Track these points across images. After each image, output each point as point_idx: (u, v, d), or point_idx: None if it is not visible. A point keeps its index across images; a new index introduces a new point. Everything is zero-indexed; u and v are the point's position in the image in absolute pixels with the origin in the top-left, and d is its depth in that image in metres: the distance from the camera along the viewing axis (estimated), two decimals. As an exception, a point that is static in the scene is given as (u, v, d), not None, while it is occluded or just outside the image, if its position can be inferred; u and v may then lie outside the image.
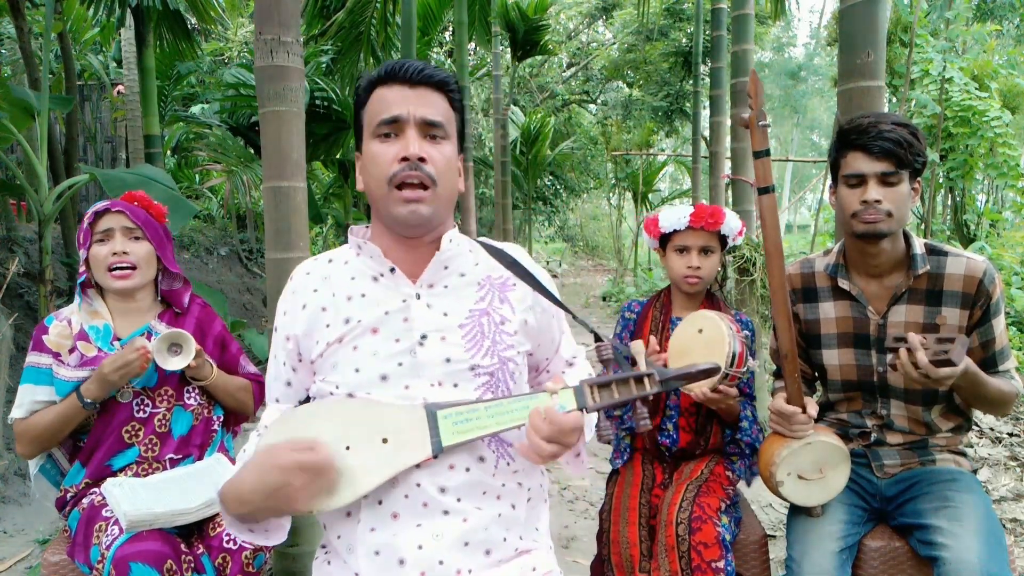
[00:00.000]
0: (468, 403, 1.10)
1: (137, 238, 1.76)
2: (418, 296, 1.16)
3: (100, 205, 1.75)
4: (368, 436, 1.08)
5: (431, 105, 1.14)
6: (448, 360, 1.13)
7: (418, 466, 1.09)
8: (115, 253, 1.72)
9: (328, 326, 1.15)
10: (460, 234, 1.23)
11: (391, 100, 1.13)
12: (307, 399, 1.23)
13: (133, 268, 1.74)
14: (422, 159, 1.11)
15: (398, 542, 1.08)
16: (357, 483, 1.07)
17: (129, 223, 1.75)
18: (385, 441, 1.08)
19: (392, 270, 1.17)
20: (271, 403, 1.26)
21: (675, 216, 1.88)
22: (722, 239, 1.90)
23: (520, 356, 1.20)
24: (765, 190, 1.48)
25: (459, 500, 1.10)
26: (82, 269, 1.76)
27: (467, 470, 1.11)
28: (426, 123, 1.13)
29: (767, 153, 1.47)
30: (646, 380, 1.08)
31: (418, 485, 1.09)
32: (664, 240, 1.93)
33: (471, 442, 1.09)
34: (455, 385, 1.13)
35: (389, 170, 1.11)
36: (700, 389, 1.68)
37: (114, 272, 1.73)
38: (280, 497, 1.02)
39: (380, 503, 1.10)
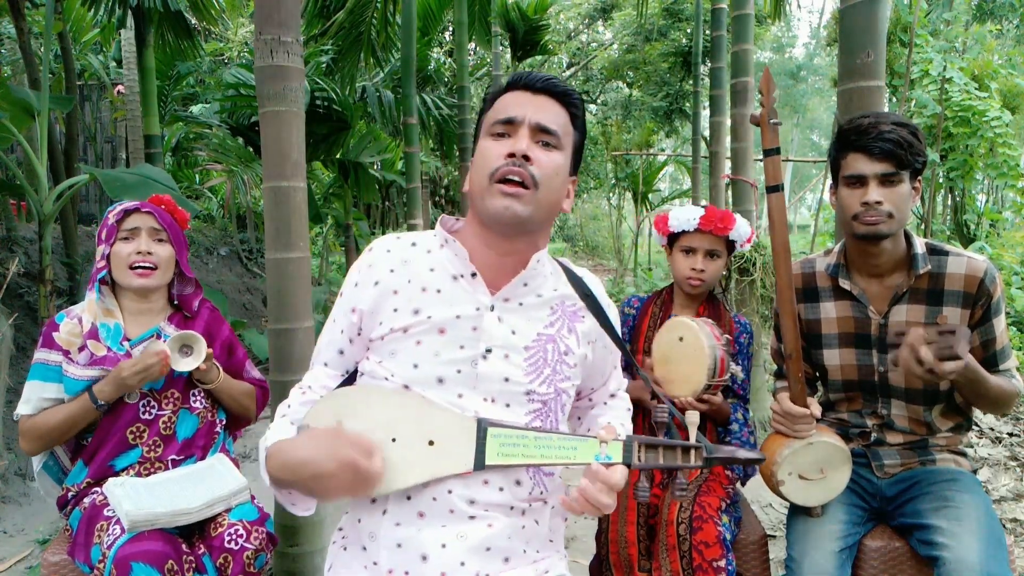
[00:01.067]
0: (519, 428, 1.10)
1: (161, 240, 1.79)
2: (492, 308, 1.15)
3: (130, 204, 1.78)
4: (416, 434, 1.09)
5: (549, 112, 1.15)
6: (507, 379, 1.13)
7: (455, 475, 1.09)
8: (139, 252, 1.74)
9: (396, 311, 1.15)
10: (547, 255, 1.23)
11: (511, 103, 1.15)
12: (354, 372, 1.23)
13: (154, 268, 1.76)
14: (527, 157, 1.10)
15: (423, 537, 1.08)
16: (394, 477, 1.07)
17: (156, 224, 1.78)
18: (431, 444, 1.08)
19: (474, 275, 1.16)
20: (317, 365, 1.25)
21: (685, 216, 1.88)
22: (729, 244, 1.90)
23: (573, 389, 1.21)
24: (774, 188, 1.47)
25: (486, 511, 1.11)
26: (102, 264, 1.76)
27: (500, 490, 1.11)
28: (540, 128, 1.13)
29: (777, 151, 1.46)
30: (692, 452, 1.08)
31: (449, 492, 1.09)
32: (672, 239, 1.94)
33: (511, 467, 1.10)
34: (507, 405, 1.13)
35: (494, 165, 1.11)
36: (685, 397, 1.70)
37: (135, 270, 1.74)
38: (322, 484, 1.03)
39: (408, 499, 1.10)
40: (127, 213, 1.76)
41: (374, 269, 1.19)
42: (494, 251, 1.16)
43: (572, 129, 1.19)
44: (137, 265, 1.74)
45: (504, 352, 1.13)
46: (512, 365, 1.13)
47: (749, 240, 1.92)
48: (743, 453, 1.10)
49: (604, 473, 1.04)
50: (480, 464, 1.07)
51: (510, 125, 1.13)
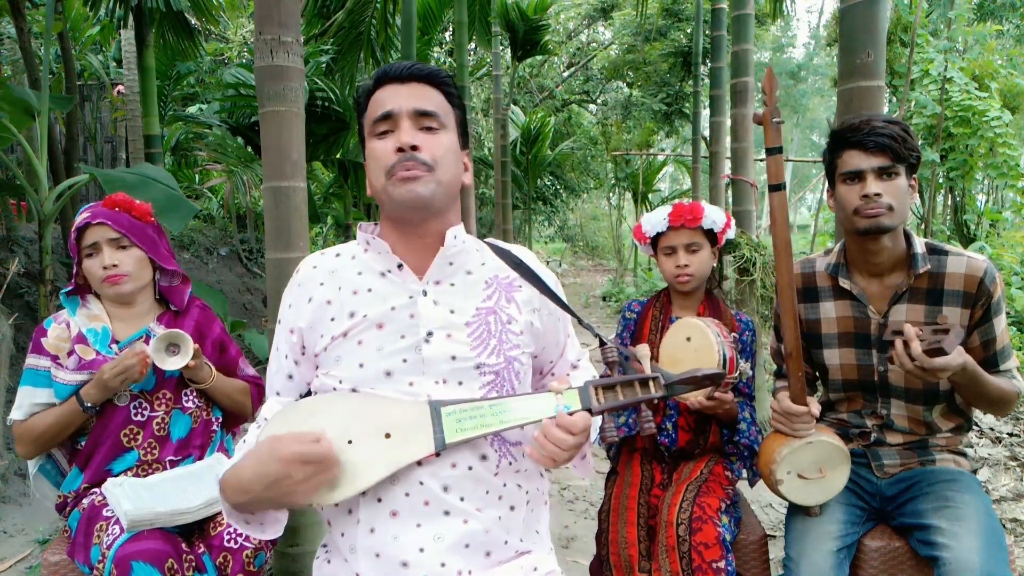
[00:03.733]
0: (472, 401, 1.10)
1: (124, 247, 1.74)
2: (424, 293, 1.16)
3: (80, 219, 1.73)
4: (371, 431, 1.08)
5: (423, 97, 1.16)
6: (453, 358, 1.13)
7: (419, 464, 1.08)
8: (104, 267, 1.71)
9: (333, 320, 1.15)
10: (467, 234, 1.23)
11: (384, 99, 1.16)
12: (308, 393, 1.23)
13: (126, 275, 1.73)
14: (415, 147, 1.12)
15: (400, 545, 1.07)
16: (358, 478, 1.06)
17: (113, 233, 1.72)
18: (388, 436, 1.07)
19: (400, 266, 1.17)
20: (271, 396, 1.25)
21: (655, 219, 1.90)
22: (709, 234, 1.90)
23: (525, 356, 1.20)
24: (776, 187, 1.47)
25: (462, 499, 1.10)
26: (73, 280, 1.76)
27: (469, 468, 1.11)
28: (418, 113, 1.14)
29: (780, 150, 1.47)
30: (651, 383, 1.08)
31: (421, 483, 1.08)
32: (654, 244, 1.95)
33: (474, 440, 1.09)
34: (460, 383, 1.13)
35: (386, 162, 1.12)
36: (695, 397, 1.70)
37: (106, 280, 1.72)
38: (280, 489, 1.02)
39: (379, 501, 1.09)
40: (80, 231, 1.72)
41: (304, 287, 1.20)
42: (412, 238, 1.18)
43: (450, 107, 1.20)
44: (107, 277, 1.72)
45: (446, 332, 1.13)
46: (456, 343, 1.13)
47: (728, 226, 1.93)
48: (702, 372, 1.10)
49: (567, 419, 1.05)
50: (441, 444, 1.07)
51: (389, 120, 1.14)
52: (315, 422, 1.08)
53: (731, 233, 1.95)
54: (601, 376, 1.14)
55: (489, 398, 1.11)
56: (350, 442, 1.07)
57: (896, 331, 1.45)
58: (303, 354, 1.20)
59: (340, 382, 1.13)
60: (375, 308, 1.14)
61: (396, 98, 1.15)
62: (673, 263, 1.89)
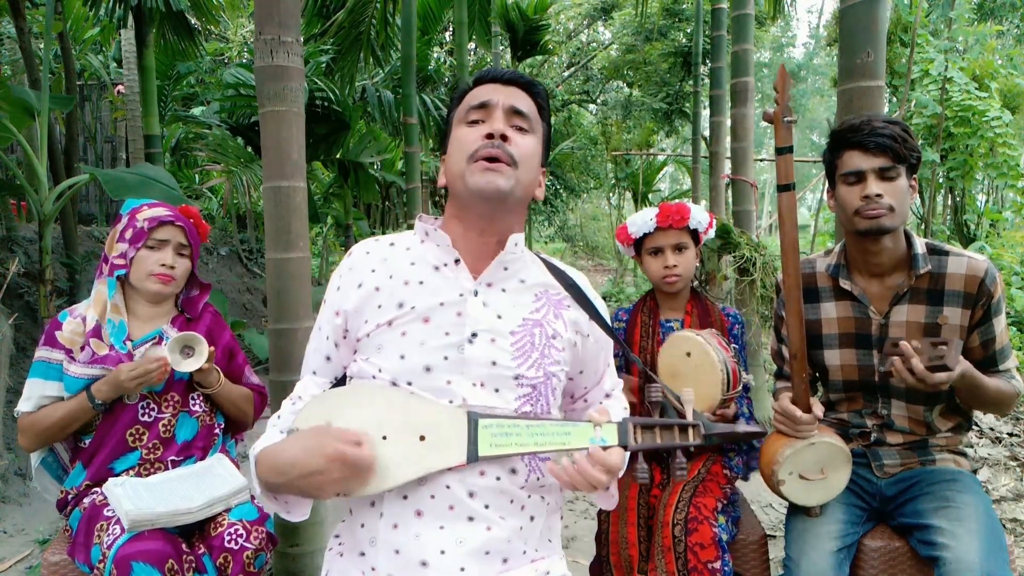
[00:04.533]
0: (511, 417, 1.09)
1: (183, 255, 1.81)
2: (476, 293, 1.16)
3: (163, 214, 1.79)
4: (407, 429, 1.08)
5: (520, 99, 1.18)
6: (494, 363, 1.12)
7: (449, 469, 1.08)
8: (163, 264, 1.76)
9: (380, 307, 1.15)
10: (525, 245, 1.23)
11: (483, 92, 1.18)
12: (343, 378, 1.23)
13: (175, 280, 1.79)
14: (505, 137, 1.13)
15: (421, 544, 1.07)
16: (387, 475, 1.06)
17: (184, 240, 1.81)
18: (423, 439, 1.07)
19: (457, 261, 1.17)
20: (307, 374, 1.25)
21: (642, 219, 1.90)
22: (693, 234, 1.91)
23: (563, 374, 1.20)
24: (786, 187, 1.47)
25: (486, 507, 1.10)
26: (122, 262, 1.76)
27: (497, 479, 1.11)
28: (514, 111, 1.16)
29: (790, 150, 1.46)
30: (690, 430, 1.07)
31: (447, 487, 1.08)
32: (638, 246, 1.95)
33: (506, 457, 1.09)
34: (496, 390, 1.12)
35: (472, 147, 1.13)
36: (686, 395, 1.69)
37: (156, 276, 1.76)
38: (313, 481, 1.03)
39: (405, 498, 1.09)
40: (160, 223, 1.77)
41: (355, 271, 1.20)
42: (474, 233, 1.17)
43: (540, 119, 1.22)
44: (158, 274, 1.76)
45: (490, 336, 1.13)
46: (499, 349, 1.13)
47: (711, 225, 1.93)
48: (743, 427, 1.10)
49: (602, 455, 1.04)
50: (473, 456, 1.06)
51: (484, 110, 1.16)
52: (354, 411, 1.08)
53: (712, 232, 1.96)
54: (640, 415, 1.13)
55: (527, 416, 1.11)
56: (384, 437, 1.07)
57: (894, 345, 1.45)
58: (345, 338, 1.20)
59: (379, 370, 1.12)
60: (424, 301, 1.14)
61: (496, 93, 1.17)
62: (661, 264, 1.89)
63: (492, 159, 1.11)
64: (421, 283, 1.16)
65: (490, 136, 1.12)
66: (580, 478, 1.04)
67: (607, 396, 1.36)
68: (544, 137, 1.23)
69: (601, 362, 1.31)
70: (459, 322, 1.13)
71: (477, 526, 1.09)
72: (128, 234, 1.76)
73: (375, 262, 1.20)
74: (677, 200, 1.94)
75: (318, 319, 1.25)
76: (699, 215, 1.89)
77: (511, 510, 1.12)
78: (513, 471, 1.12)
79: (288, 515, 1.16)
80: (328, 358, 1.22)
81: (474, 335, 1.12)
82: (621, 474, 1.14)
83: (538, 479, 1.15)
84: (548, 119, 1.25)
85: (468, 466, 1.08)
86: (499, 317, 1.15)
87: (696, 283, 2.01)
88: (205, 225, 1.91)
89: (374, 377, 1.13)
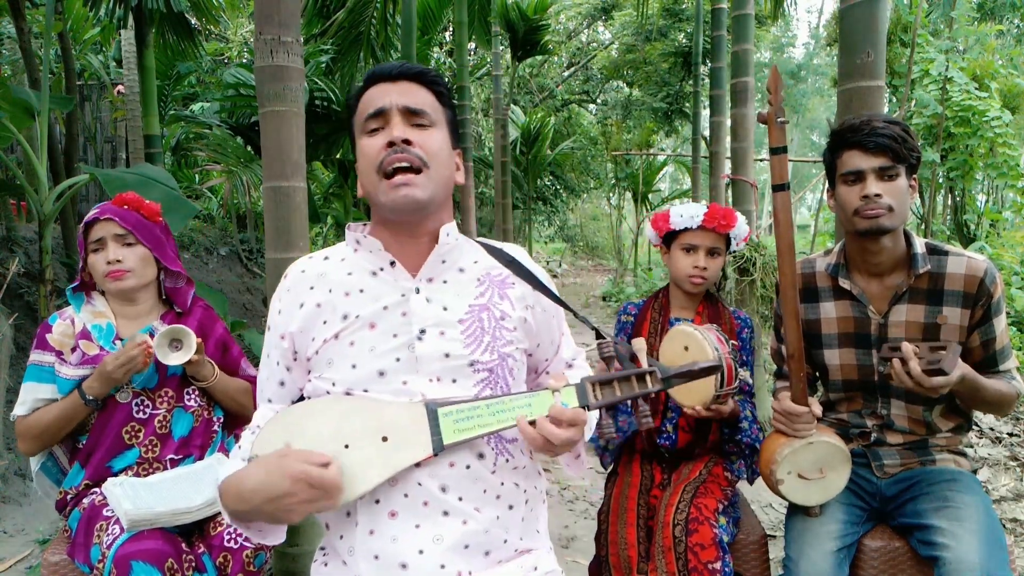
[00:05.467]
0: (469, 401, 1.09)
1: (129, 243, 1.75)
2: (417, 290, 1.15)
3: (90, 215, 1.75)
4: (367, 434, 1.07)
5: (413, 95, 1.16)
6: (447, 355, 1.12)
7: (417, 465, 1.08)
8: (108, 262, 1.72)
9: (325, 323, 1.15)
10: (459, 232, 1.23)
11: (374, 97, 1.16)
12: (300, 399, 1.22)
13: (129, 271, 1.75)
14: (407, 141, 1.12)
15: (399, 546, 1.07)
16: (356, 482, 1.05)
17: (119, 229, 1.74)
18: (385, 439, 1.07)
19: (392, 264, 1.17)
20: (263, 403, 1.25)
21: (688, 213, 1.87)
22: (727, 243, 1.90)
23: (519, 353, 1.19)
24: (780, 187, 1.47)
25: (460, 499, 1.09)
26: (79, 276, 1.77)
27: (467, 467, 1.10)
28: (409, 111, 1.15)
29: (784, 150, 1.47)
30: (648, 377, 1.08)
31: (419, 484, 1.08)
32: (669, 237, 1.92)
33: (472, 440, 1.09)
34: (454, 381, 1.12)
35: (378, 158, 1.12)
36: (694, 407, 1.69)
37: (109, 275, 1.73)
38: (280, 504, 1.01)
39: (377, 502, 1.09)
40: (88, 225, 1.74)
41: (293, 292, 1.20)
42: (404, 236, 1.17)
43: (440, 106, 1.20)
44: (109, 272, 1.74)
45: (439, 329, 1.13)
46: (449, 340, 1.13)
47: (745, 239, 1.93)
48: (699, 365, 1.09)
49: (560, 410, 1.05)
50: (439, 446, 1.06)
51: (380, 117, 1.15)
52: (310, 426, 1.07)
53: (743, 246, 1.95)
54: (598, 373, 1.14)
55: (485, 397, 1.11)
56: (346, 446, 1.06)
57: (893, 347, 1.45)
58: (295, 360, 1.19)
59: (333, 385, 1.12)
60: (367, 308, 1.14)
61: (386, 95, 1.15)
62: (691, 262, 1.87)
63: (402, 169, 1.10)
64: (361, 291, 1.16)
65: (392, 144, 1.12)
66: (542, 440, 1.05)
67: (569, 366, 1.36)
68: (450, 122, 1.21)
69: (555, 331, 1.30)
70: (405, 321, 1.13)
71: (453, 521, 1.09)
72: (79, 245, 1.77)
73: (312, 279, 1.19)
74: (724, 206, 1.92)
75: (264, 347, 1.24)
76: (742, 227, 1.89)
77: (486, 500, 1.12)
78: (481, 456, 1.12)
79: (263, 539, 1.15)
80: (282, 383, 1.22)
81: (422, 331, 1.12)
82: (588, 435, 1.15)
83: (507, 460, 1.15)
84: (449, 103, 1.22)
85: (437, 458, 1.08)
86: (445, 309, 1.15)
87: (713, 287, 2.00)
88: (149, 206, 1.81)
89: (328, 392, 1.12)
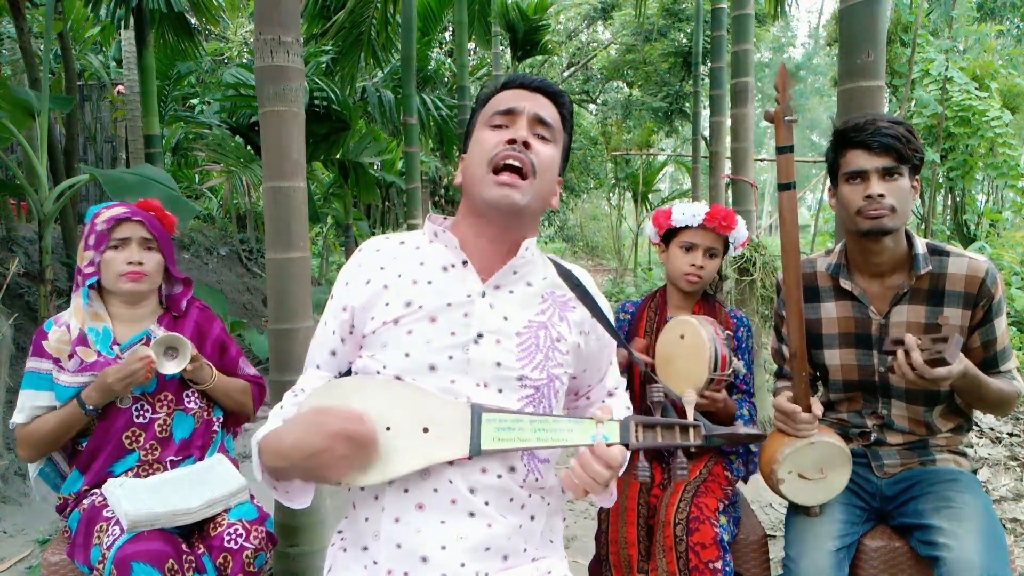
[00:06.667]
0: (514, 412, 1.09)
1: (151, 248, 1.78)
2: (483, 294, 1.16)
3: (119, 212, 1.76)
4: (410, 422, 1.08)
5: (546, 108, 1.20)
6: (498, 364, 1.13)
7: (451, 463, 1.09)
8: (130, 263, 1.74)
9: (388, 304, 1.15)
10: (535, 245, 1.24)
11: (509, 98, 1.19)
12: (348, 372, 1.23)
13: (145, 275, 1.76)
14: (527, 144, 1.14)
15: (422, 538, 1.08)
16: (390, 466, 1.07)
17: (147, 234, 1.77)
18: (426, 431, 1.08)
19: (465, 263, 1.17)
20: (310, 368, 1.25)
21: (690, 211, 1.88)
22: (726, 244, 1.91)
23: (566, 376, 1.20)
24: (786, 186, 1.47)
25: (487, 504, 1.10)
26: (91, 270, 1.76)
27: (498, 476, 1.11)
28: (538, 119, 1.17)
29: (791, 149, 1.46)
30: (691, 431, 1.08)
31: (450, 482, 1.09)
32: (669, 235, 1.93)
33: (508, 451, 1.09)
34: (500, 391, 1.13)
35: (493, 151, 1.14)
36: (687, 396, 1.69)
37: (126, 275, 1.74)
38: (318, 461, 1.03)
39: (406, 491, 1.09)
40: (118, 222, 1.75)
41: (364, 268, 1.21)
42: (485, 239, 1.18)
43: (563, 130, 1.23)
44: (128, 273, 1.74)
45: (496, 337, 1.14)
46: (504, 350, 1.13)
47: (744, 243, 1.94)
48: (743, 430, 1.10)
49: (603, 450, 1.05)
50: (476, 449, 1.07)
51: (509, 116, 1.17)
52: (357, 402, 1.08)
53: (741, 251, 1.96)
54: (640, 414, 1.13)
55: (529, 413, 1.11)
56: (388, 429, 1.08)
57: (896, 340, 1.45)
58: (351, 333, 1.20)
59: (384, 367, 1.13)
60: (432, 301, 1.15)
61: (522, 99, 1.18)
62: (689, 261, 1.88)
63: (511, 169, 1.12)
64: (429, 283, 1.16)
65: (512, 141, 1.13)
66: (586, 477, 1.05)
67: (609, 395, 1.37)
68: (564, 147, 1.24)
69: (604, 360, 1.31)
70: (465, 323, 1.14)
71: (478, 522, 1.09)
72: (91, 240, 1.75)
73: (385, 260, 1.21)
74: (726, 207, 1.93)
75: (324, 314, 1.25)
76: (742, 230, 1.90)
77: (511, 508, 1.13)
78: (512, 469, 1.12)
79: (290, 502, 1.16)
80: (333, 352, 1.23)
81: (480, 336, 1.13)
82: (622, 472, 1.14)
83: (536, 480, 1.16)
84: (570, 130, 1.26)
85: (470, 461, 1.09)
86: (505, 319, 1.16)
87: (712, 288, 2.01)
88: (170, 217, 1.86)
89: (378, 373, 1.13)
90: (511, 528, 1.12)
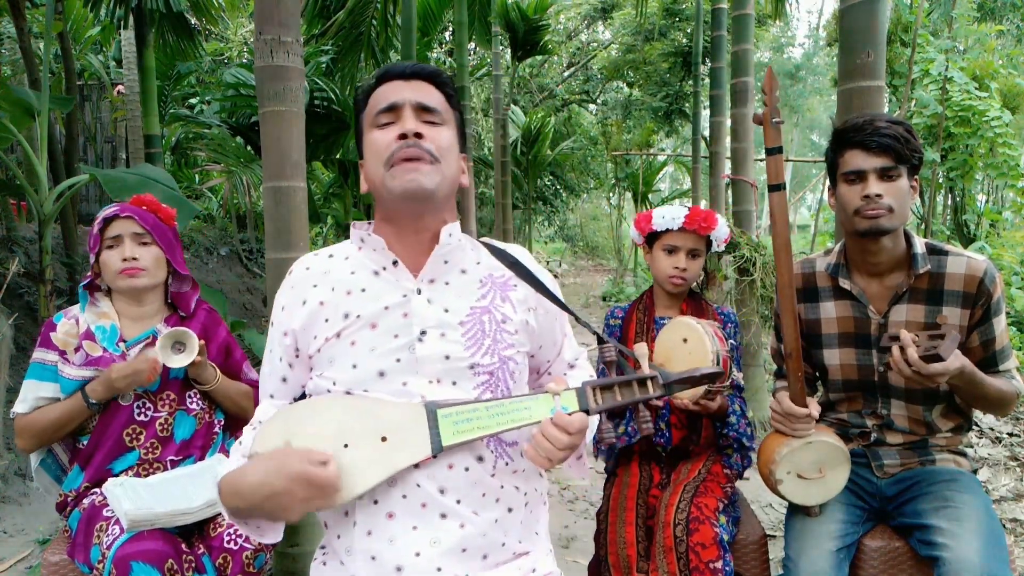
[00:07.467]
0: (468, 403, 1.09)
1: (145, 243, 1.77)
2: (419, 291, 1.15)
3: (110, 211, 1.76)
4: (367, 434, 1.07)
5: (426, 93, 1.17)
6: (447, 357, 1.12)
7: (416, 466, 1.08)
8: (124, 259, 1.73)
9: (327, 321, 1.15)
10: (462, 232, 1.23)
11: (387, 92, 1.17)
12: (302, 396, 1.22)
13: (142, 270, 1.76)
14: (419, 135, 1.12)
15: (395, 548, 1.07)
16: (355, 482, 1.05)
17: (138, 228, 1.76)
18: (384, 439, 1.06)
19: (395, 263, 1.16)
20: (265, 399, 1.25)
21: (669, 215, 1.90)
22: (708, 243, 1.92)
23: (520, 356, 1.19)
24: (776, 187, 1.47)
25: (458, 502, 1.09)
26: (89, 272, 1.77)
27: (466, 469, 1.10)
28: (422, 107, 1.15)
29: (780, 150, 1.47)
30: (649, 383, 1.08)
31: (418, 485, 1.08)
32: (651, 238, 1.95)
33: (471, 442, 1.09)
34: (454, 383, 1.12)
35: (388, 151, 1.12)
36: (683, 399, 1.70)
37: (123, 272, 1.74)
38: (278, 502, 1.01)
39: (375, 503, 1.08)
40: (107, 221, 1.75)
41: (297, 289, 1.20)
42: (408, 234, 1.17)
43: (450, 108, 1.21)
44: (124, 270, 1.74)
45: (439, 331, 1.13)
46: (450, 342, 1.13)
47: (726, 241, 1.95)
48: (701, 371, 1.09)
49: (563, 418, 1.05)
50: (438, 447, 1.06)
51: (393, 112, 1.15)
52: (311, 424, 1.07)
53: (723, 247, 1.97)
54: (598, 376, 1.13)
55: (485, 400, 1.11)
56: (346, 445, 1.06)
57: (893, 336, 1.45)
58: (297, 356, 1.19)
59: (334, 383, 1.12)
60: (368, 307, 1.14)
61: (400, 92, 1.16)
62: (672, 263, 1.90)
63: (412, 159, 1.11)
64: (363, 290, 1.16)
65: (404, 136, 1.12)
66: (547, 444, 1.05)
67: (571, 367, 1.36)
68: (458, 125, 1.22)
69: (557, 333, 1.30)
70: (406, 323, 1.13)
71: (450, 523, 1.08)
72: (90, 243, 1.77)
73: (316, 277, 1.20)
74: (705, 208, 1.94)
75: (268, 342, 1.24)
76: (722, 230, 1.91)
77: (485, 503, 1.12)
78: (480, 459, 1.12)
79: (261, 537, 1.15)
80: (284, 379, 1.22)
81: (423, 333, 1.12)
82: (589, 437, 1.15)
83: (507, 463, 1.15)
84: (458, 106, 1.24)
85: (436, 460, 1.08)
86: (446, 311, 1.15)
87: (694, 284, 2.03)
88: (166, 210, 1.84)
89: (328, 391, 1.12)
90: (487, 524, 1.11)
